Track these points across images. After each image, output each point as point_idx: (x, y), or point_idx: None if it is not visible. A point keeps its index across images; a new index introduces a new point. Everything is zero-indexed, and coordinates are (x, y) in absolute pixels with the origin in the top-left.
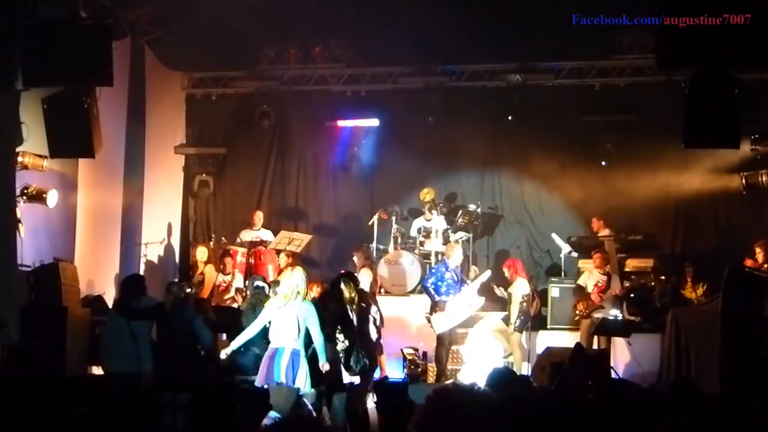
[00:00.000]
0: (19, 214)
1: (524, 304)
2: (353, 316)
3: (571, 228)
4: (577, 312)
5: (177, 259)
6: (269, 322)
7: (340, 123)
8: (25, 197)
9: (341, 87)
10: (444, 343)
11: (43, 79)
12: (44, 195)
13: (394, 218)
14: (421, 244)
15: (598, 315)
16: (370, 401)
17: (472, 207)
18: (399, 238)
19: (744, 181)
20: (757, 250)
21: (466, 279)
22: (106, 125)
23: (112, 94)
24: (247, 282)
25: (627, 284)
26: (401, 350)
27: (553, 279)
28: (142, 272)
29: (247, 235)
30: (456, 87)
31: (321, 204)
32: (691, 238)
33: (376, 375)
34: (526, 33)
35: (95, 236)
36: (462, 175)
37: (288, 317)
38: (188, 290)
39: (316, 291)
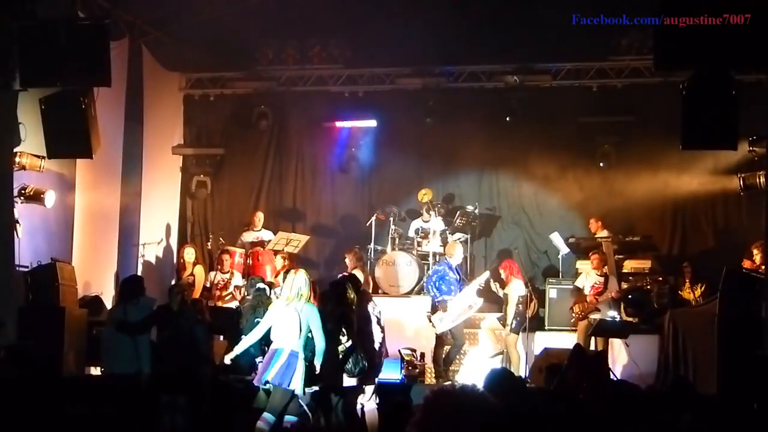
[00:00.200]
0: (16, 215)
1: (520, 305)
2: (353, 318)
3: (568, 229)
4: (574, 313)
5: (174, 260)
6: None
7: (338, 124)
8: (22, 197)
9: (339, 88)
10: (443, 343)
11: (40, 80)
12: (42, 195)
13: (392, 219)
14: (419, 244)
15: (594, 316)
16: (373, 402)
17: (470, 208)
18: (397, 239)
19: (742, 182)
20: (755, 251)
21: (467, 279)
22: (104, 126)
23: (109, 95)
24: (246, 283)
25: (624, 285)
26: (399, 351)
27: (550, 280)
28: (139, 273)
29: (248, 237)
30: (454, 88)
31: (319, 205)
32: (689, 240)
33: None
34: (524, 34)
35: (93, 237)
36: (460, 176)
37: (290, 319)
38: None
39: None
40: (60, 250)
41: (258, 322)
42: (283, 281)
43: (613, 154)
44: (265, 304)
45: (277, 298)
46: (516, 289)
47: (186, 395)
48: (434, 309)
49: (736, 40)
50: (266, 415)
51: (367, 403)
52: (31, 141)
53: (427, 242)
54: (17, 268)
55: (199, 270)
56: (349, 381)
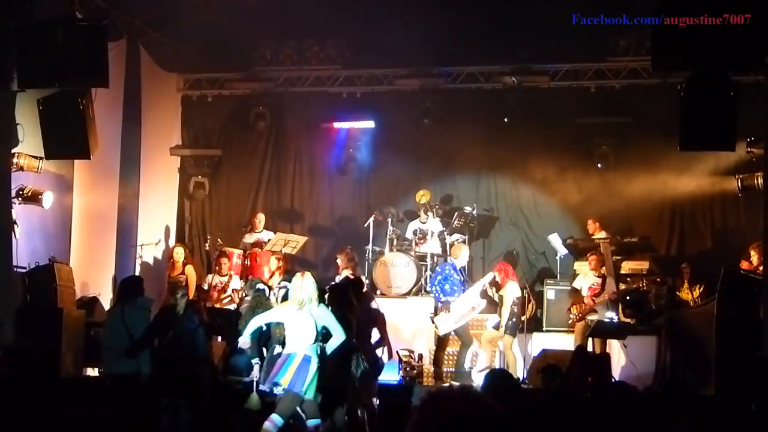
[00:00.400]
0: (14, 216)
1: (515, 307)
2: (353, 320)
3: (566, 230)
4: (572, 315)
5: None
6: (264, 326)
7: (336, 125)
8: (20, 198)
9: (337, 88)
10: (444, 345)
11: (38, 80)
12: (40, 196)
13: (389, 220)
14: (417, 245)
15: (592, 318)
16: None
17: (468, 209)
18: (395, 240)
19: (740, 183)
20: (752, 252)
21: (469, 281)
22: (102, 126)
23: (107, 96)
24: (244, 284)
25: (623, 287)
26: (397, 352)
27: (548, 281)
28: (137, 274)
29: (250, 239)
30: (452, 89)
31: (317, 206)
32: (687, 241)
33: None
34: (522, 35)
35: (91, 238)
36: (458, 177)
37: (304, 323)
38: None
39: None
40: (58, 251)
41: None
42: (279, 283)
43: (612, 155)
44: (264, 305)
45: (277, 299)
46: (511, 291)
47: (188, 397)
48: (437, 310)
49: (735, 41)
50: (274, 416)
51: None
52: (29, 142)
53: (425, 243)
54: (15, 269)
55: (190, 270)
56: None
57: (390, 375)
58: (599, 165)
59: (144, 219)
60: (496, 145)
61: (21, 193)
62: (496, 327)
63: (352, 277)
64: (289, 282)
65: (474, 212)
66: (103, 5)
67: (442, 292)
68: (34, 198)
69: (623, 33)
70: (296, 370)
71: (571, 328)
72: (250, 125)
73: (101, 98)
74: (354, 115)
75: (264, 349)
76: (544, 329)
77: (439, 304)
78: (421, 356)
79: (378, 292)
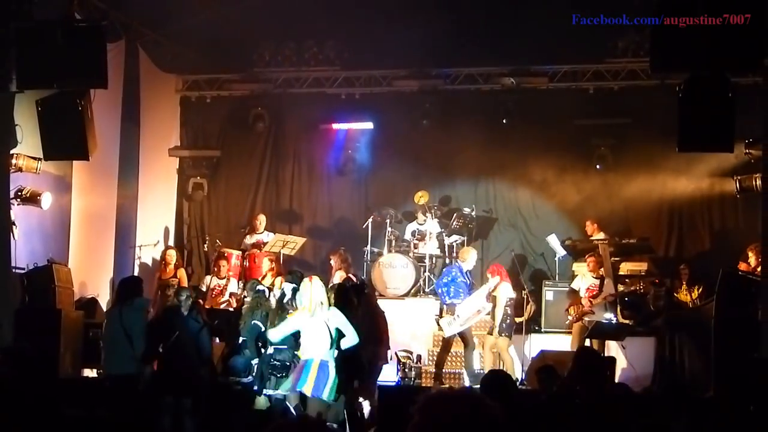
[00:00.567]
0: (13, 217)
1: (509, 308)
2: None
3: (565, 231)
4: (569, 316)
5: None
6: (264, 329)
7: (335, 126)
8: (19, 199)
9: (336, 90)
10: (449, 348)
11: (37, 81)
12: (38, 197)
13: (388, 221)
14: (415, 247)
15: (589, 319)
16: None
17: (466, 210)
18: (393, 242)
19: (738, 184)
20: (750, 253)
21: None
22: (101, 127)
23: (106, 97)
24: (243, 285)
25: (621, 288)
26: (395, 353)
27: (547, 282)
28: (136, 274)
29: (250, 240)
30: (450, 90)
31: (315, 207)
32: (686, 242)
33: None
34: (520, 36)
35: (89, 239)
36: (456, 179)
37: (318, 328)
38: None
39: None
40: (56, 252)
41: (255, 324)
42: (271, 285)
43: (610, 157)
44: (263, 307)
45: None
46: (504, 292)
47: (191, 397)
48: (442, 312)
49: (733, 43)
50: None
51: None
52: (27, 143)
53: (423, 244)
54: (14, 270)
55: (182, 273)
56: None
57: (388, 376)
58: (598, 166)
59: (142, 220)
60: (494, 147)
61: (20, 194)
62: (490, 330)
63: (353, 277)
64: (291, 283)
65: (473, 213)
66: (102, 6)
67: (447, 294)
68: (32, 199)
69: (622, 34)
70: (316, 376)
71: (569, 329)
72: (248, 126)
73: (100, 99)
74: (353, 116)
75: (264, 351)
76: (542, 330)
77: (445, 306)
78: (419, 357)
79: (376, 293)
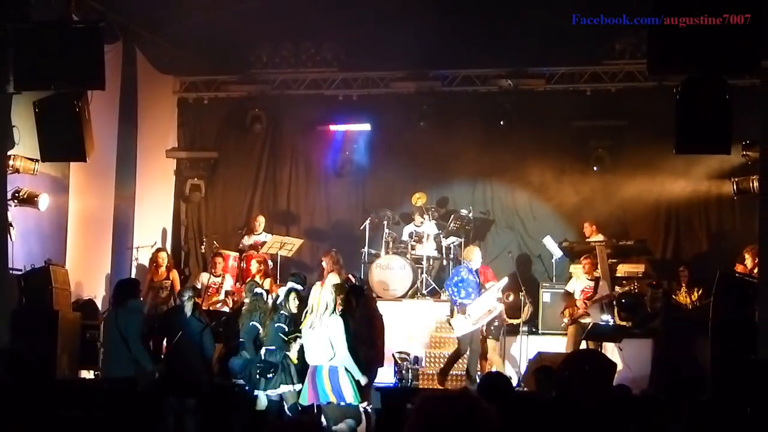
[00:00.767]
0: (10, 218)
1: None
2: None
3: (562, 233)
4: (564, 318)
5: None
6: (255, 327)
7: (332, 127)
8: (16, 201)
9: (333, 91)
10: (463, 346)
11: (35, 82)
12: (36, 198)
13: (385, 223)
14: (413, 248)
15: (585, 321)
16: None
17: (464, 212)
18: (391, 243)
19: (735, 186)
20: (746, 255)
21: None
22: (98, 129)
23: (103, 98)
24: (242, 286)
25: (617, 289)
26: (393, 355)
27: (543, 284)
28: (133, 276)
29: (248, 241)
30: (448, 92)
31: (313, 208)
32: (683, 244)
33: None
34: (517, 38)
35: (86, 240)
36: (454, 180)
37: (319, 337)
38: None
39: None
40: (53, 254)
41: (253, 326)
42: (247, 291)
43: (607, 158)
44: (261, 309)
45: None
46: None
47: (194, 398)
48: (453, 312)
49: (731, 45)
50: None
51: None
52: (24, 144)
53: (420, 246)
54: (11, 271)
55: (175, 275)
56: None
57: (386, 378)
58: (595, 168)
59: (140, 221)
60: (491, 148)
61: (17, 195)
62: None
63: (351, 278)
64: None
65: (470, 215)
66: (100, 7)
67: (458, 294)
68: (29, 200)
69: (619, 36)
70: (330, 381)
71: (565, 331)
72: (246, 128)
73: (97, 100)
74: (350, 117)
75: (263, 353)
76: (539, 332)
77: (456, 307)
78: (417, 359)
79: (374, 294)
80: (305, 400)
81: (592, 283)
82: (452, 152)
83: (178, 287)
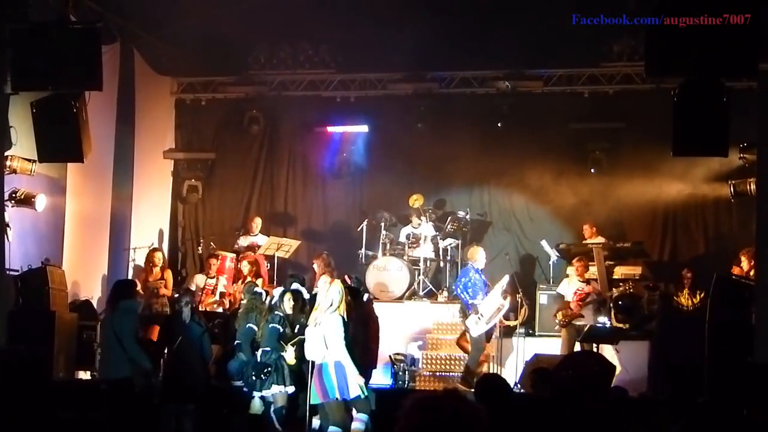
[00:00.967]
0: (7, 218)
1: None
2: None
3: (559, 235)
4: (557, 320)
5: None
6: (251, 329)
7: (330, 129)
8: (13, 201)
9: (331, 92)
10: (480, 346)
11: (32, 83)
12: (33, 199)
13: (383, 224)
14: (410, 249)
15: (576, 323)
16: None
17: (461, 213)
18: (388, 245)
19: (732, 189)
20: (742, 258)
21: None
22: (95, 129)
23: (101, 99)
24: (237, 287)
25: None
26: (389, 356)
27: (540, 286)
28: (130, 277)
29: (244, 242)
30: (445, 93)
31: (310, 210)
32: (680, 246)
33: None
34: (516, 40)
35: (83, 241)
36: (451, 182)
37: (318, 334)
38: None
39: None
40: (50, 254)
41: (249, 328)
42: (245, 292)
43: (605, 161)
44: (258, 309)
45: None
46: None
47: (194, 402)
48: (465, 313)
49: (729, 47)
50: (332, 428)
51: None
52: (22, 145)
53: (418, 248)
54: (7, 272)
55: (169, 275)
56: None
57: (382, 380)
58: (592, 170)
59: (137, 222)
60: (489, 150)
61: (14, 195)
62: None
63: (347, 279)
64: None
65: (467, 217)
66: (97, 8)
67: (468, 294)
68: (27, 201)
69: (617, 38)
70: (337, 377)
71: (559, 333)
72: (243, 129)
73: (95, 101)
74: (348, 119)
75: (259, 354)
76: (536, 334)
77: (468, 308)
78: (413, 360)
79: (371, 296)
80: (316, 399)
81: (585, 285)
82: (449, 154)
83: (171, 287)
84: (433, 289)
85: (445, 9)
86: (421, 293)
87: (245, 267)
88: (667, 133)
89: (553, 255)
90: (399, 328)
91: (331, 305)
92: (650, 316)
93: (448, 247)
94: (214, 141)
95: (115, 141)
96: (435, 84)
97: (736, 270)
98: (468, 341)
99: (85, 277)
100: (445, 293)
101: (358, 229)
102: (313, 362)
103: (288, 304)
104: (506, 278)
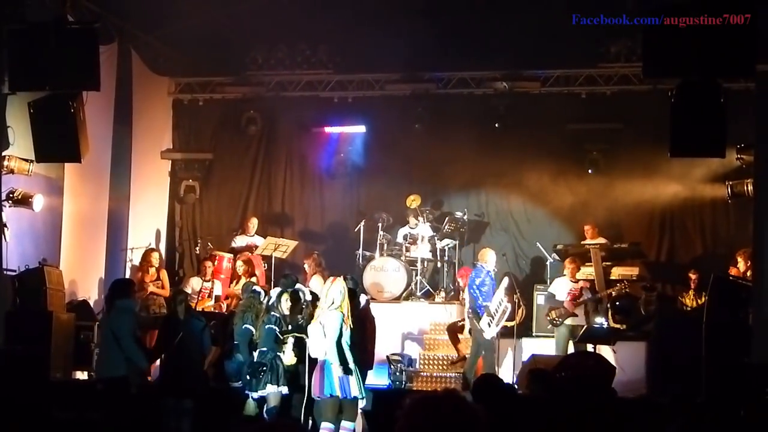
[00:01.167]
0: (4, 218)
1: None
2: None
3: (557, 235)
4: (550, 319)
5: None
6: (248, 329)
7: (327, 129)
8: (10, 201)
9: (328, 93)
10: (493, 347)
11: (30, 83)
12: (30, 199)
13: (380, 225)
14: (407, 250)
15: (570, 323)
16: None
17: (458, 214)
18: (385, 245)
19: (729, 190)
20: (739, 258)
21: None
22: (93, 130)
23: (98, 99)
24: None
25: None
26: (386, 357)
27: (538, 286)
28: (127, 277)
29: (241, 241)
30: (443, 94)
31: (307, 210)
32: (677, 247)
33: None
34: (513, 41)
35: (81, 241)
36: (448, 182)
37: (319, 331)
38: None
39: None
40: (48, 254)
41: (246, 329)
42: (244, 291)
43: (602, 161)
44: (254, 309)
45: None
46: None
47: (192, 399)
48: (477, 315)
49: (726, 48)
50: (324, 425)
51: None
52: (19, 145)
53: (415, 248)
54: (5, 272)
55: (164, 275)
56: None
57: (380, 380)
58: (590, 171)
59: (134, 222)
60: (486, 151)
61: (11, 196)
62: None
63: (321, 279)
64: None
65: (464, 217)
66: (95, 8)
67: (482, 295)
68: (24, 201)
69: (614, 39)
70: (339, 376)
71: (552, 333)
72: (241, 129)
73: (92, 101)
74: (345, 119)
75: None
76: (533, 335)
77: (479, 310)
78: (410, 361)
79: (369, 296)
80: (313, 393)
81: (576, 285)
82: (447, 155)
83: (167, 287)
84: (431, 289)
85: (442, 10)
86: (418, 294)
87: (240, 267)
88: (664, 134)
89: (550, 257)
90: (396, 329)
91: (332, 303)
92: (648, 317)
93: (446, 248)
94: (212, 141)
95: (112, 141)
96: (432, 85)
97: (733, 271)
98: (459, 341)
99: (82, 278)
100: (443, 294)
101: (356, 230)
102: (313, 362)
103: (285, 305)
104: (506, 280)
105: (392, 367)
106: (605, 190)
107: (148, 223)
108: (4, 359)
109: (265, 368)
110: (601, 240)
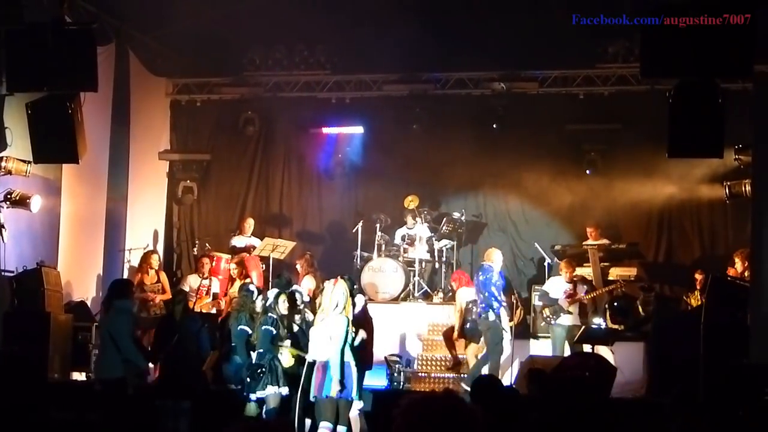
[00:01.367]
0: (2, 219)
1: (468, 313)
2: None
3: (555, 236)
4: (544, 317)
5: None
6: (244, 331)
7: (325, 130)
8: (8, 202)
9: (326, 94)
10: (501, 349)
11: (27, 84)
12: (28, 200)
13: (378, 225)
14: (405, 251)
15: (564, 322)
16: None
17: (456, 215)
18: (383, 246)
19: (727, 190)
20: (737, 259)
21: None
22: (91, 130)
23: (96, 100)
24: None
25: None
26: (385, 358)
27: (536, 287)
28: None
29: (237, 242)
30: (441, 95)
31: (305, 211)
32: (675, 247)
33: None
34: (510, 41)
35: (79, 242)
36: (446, 183)
37: (323, 334)
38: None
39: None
40: (46, 255)
41: (242, 330)
42: (239, 290)
43: (600, 162)
44: (248, 309)
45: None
46: (462, 297)
47: (190, 400)
48: (498, 317)
49: (724, 49)
50: (324, 424)
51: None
52: (17, 146)
53: (413, 249)
54: (2, 273)
55: (164, 276)
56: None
57: (378, 381)
58: (588, 171)
59: (132, 223)
60: (484, 152)
61: (9, 196)
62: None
63: (313, 280)
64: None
65: (462, 218)
66: (93, 9)
67: (495, 290)
68: (22, 202)
69: (612, 40)
70: (338, 378)
71: (547, 332)
72: (239, 130)
73: (90, 102)
74: (343, 120)
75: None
76: (531, 335)
77: (494, 310)
78: (409, 361)
79: (367, 297)
80: (312, 393)
81: (571, 286)
82: (445, 155)
83: (168, 290)
84: (429, 290)
85: (440, 10)
86: (416, 294)
87: (233, 270)
88: (662, 135)
89: (549, 258)
90: (394, 330)
91: (336, 306)
92: (646, 317)
93: (444, 249)
94: (210, 142)
95: (110, 142)
96: (430, 85)
97: (730, 271)
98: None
99: (80, 279)
100: (441, 294)
101: (354, 231)
102: (312, 363)
103: (283, 306)
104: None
105: (390, 367)
106: (603, 190)
107: (146, 223)
108: (2, 360)
109: (264, 369)
110: (604, 241)
